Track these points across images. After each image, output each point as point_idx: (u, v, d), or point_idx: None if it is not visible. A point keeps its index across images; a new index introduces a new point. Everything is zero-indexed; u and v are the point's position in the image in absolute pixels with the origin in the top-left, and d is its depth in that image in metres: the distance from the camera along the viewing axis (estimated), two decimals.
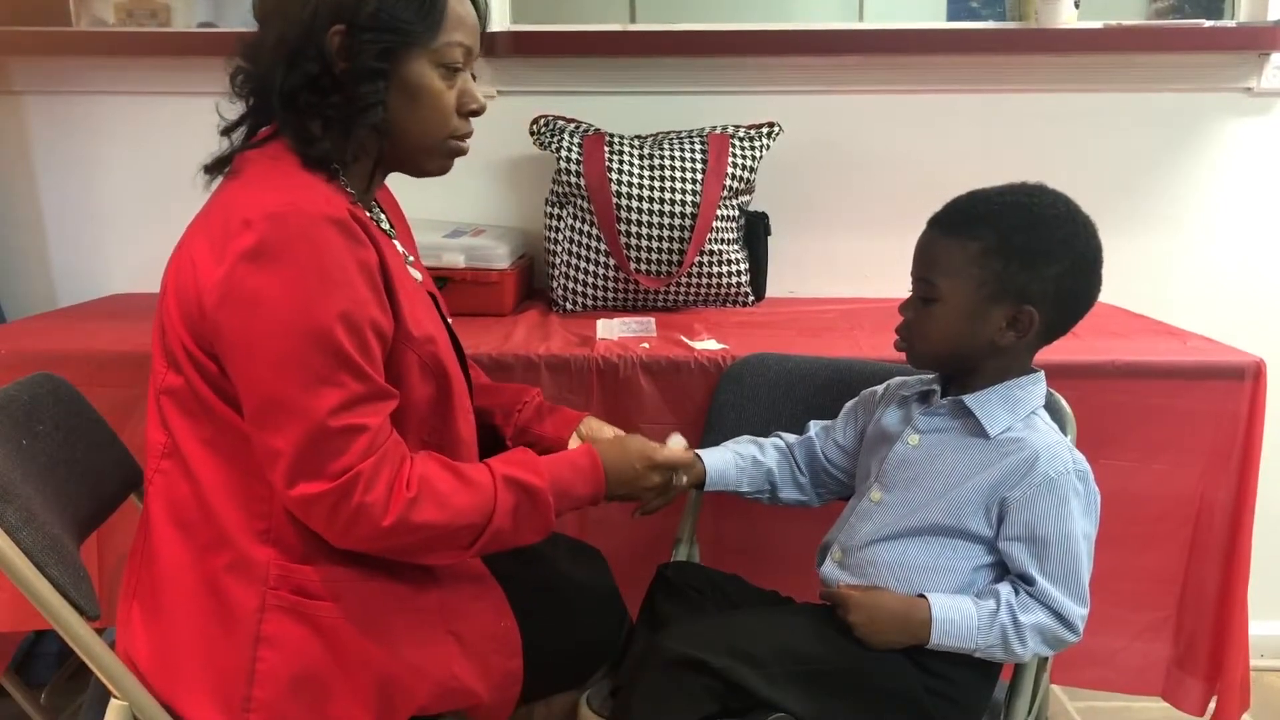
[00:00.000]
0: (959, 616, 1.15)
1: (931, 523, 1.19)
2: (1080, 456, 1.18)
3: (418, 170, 1.21)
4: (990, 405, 1.20)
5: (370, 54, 1.09)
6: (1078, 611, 1.14)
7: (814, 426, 1.42)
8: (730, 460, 1.37)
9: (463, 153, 1.21)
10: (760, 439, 1.42)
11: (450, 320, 1.31)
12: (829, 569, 1.28)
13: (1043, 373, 1.24)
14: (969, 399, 1.21)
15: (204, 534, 1.11)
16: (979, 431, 1.20)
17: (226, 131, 1.16)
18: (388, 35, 1.09)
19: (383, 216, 1.28)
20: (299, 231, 1.02)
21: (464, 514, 1.09)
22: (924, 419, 1.25)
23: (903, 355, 1.26)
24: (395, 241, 1.27)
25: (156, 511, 1.14)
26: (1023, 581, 1.16)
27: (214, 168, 1.15)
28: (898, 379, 1.37)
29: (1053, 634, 1.15)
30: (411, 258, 1.31)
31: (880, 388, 1.38)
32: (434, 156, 1.19)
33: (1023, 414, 1.20)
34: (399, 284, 1.12)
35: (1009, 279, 1.14)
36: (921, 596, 1.16)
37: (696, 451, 1.36)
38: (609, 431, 1.38)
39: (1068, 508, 1.14)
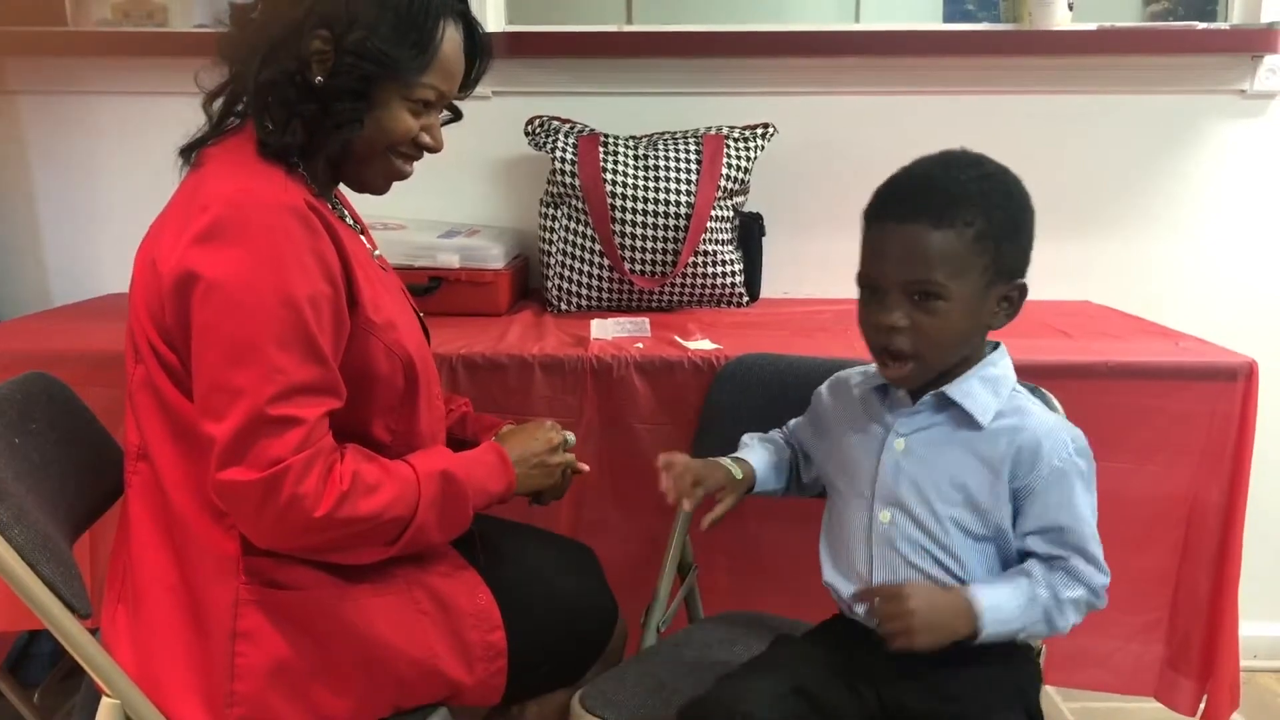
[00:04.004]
0: (1002, 599, 1.09)
1: (966, 530, 1.14)
2: (1077, 431, 1.15)
3: (356, 180, 1.22)
4: (974, 393, 1.14)
5: (352, 77, 1.10)
6: (1102, 581, 1.13)
7: (794, 433, 1.38)
8: (770, 470, 1.33)
9: (402, 176, 1.22)
10: (771, 438, 1.38)
11: (423, 315, 1.32)
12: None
13: (1000, 342, 1.19)
14: (953, 391, 1.14)
15: (177, 534, 1.12)
16: (968, 422, 1.14)
17: (208, 100, 1.17)
18: (369, 65, 1.11)
19: (345, 212, 1.30)
20: (254, 216, 1.04)
21: (392, 507, 1.09)
22: (904, 420, 1.18)
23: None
24: (362, 237, 1.28)
25: (135, 513, 1.15)
26: (1046, 559, 1.12)
27: (185, 151, 1.17)
28: (830, 384, 1.32)
29: (1088, 604, 1.13)
30: (377, 252, 1.32)
31: (819, 398, 1.32)
32: (371, 167, 1.19)
33: (1005, 393, 1.15)
34: (360, 272, 1.13)
35: (1003, 258, 1.10)
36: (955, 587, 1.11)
37: (740, 457, 1.31)
38: None
39: (1075, 493, 1.12)
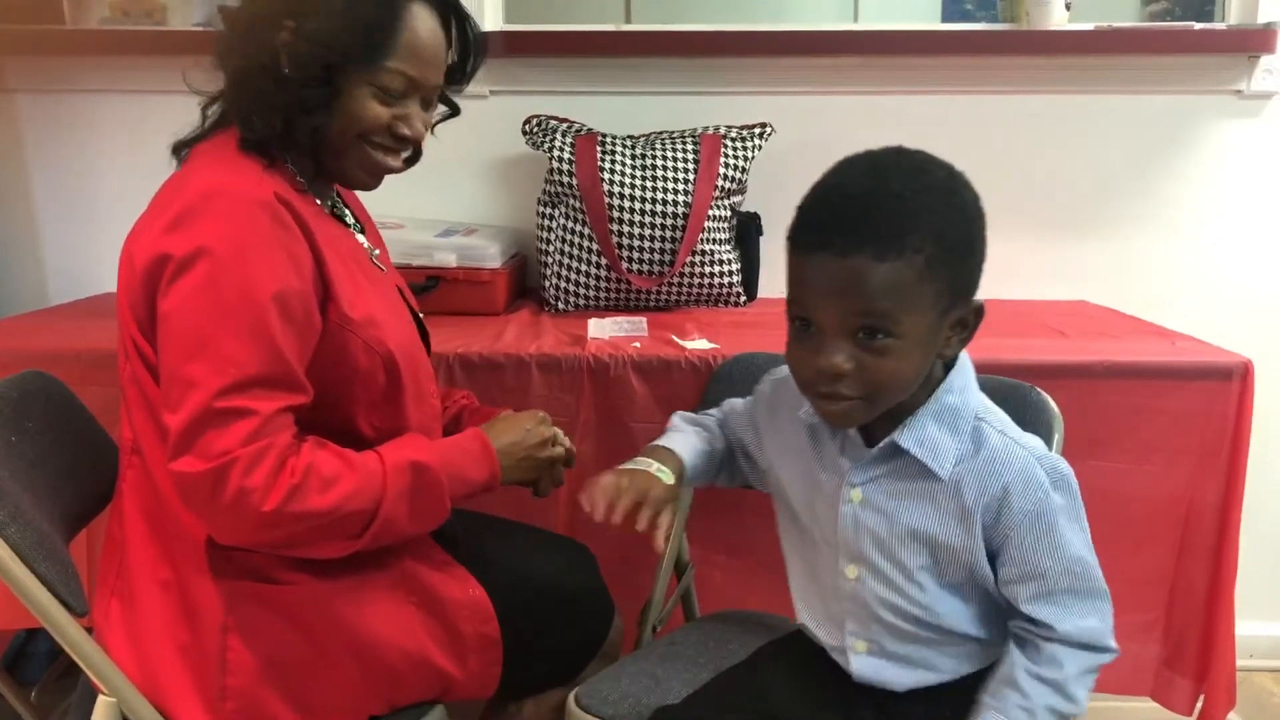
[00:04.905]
0: None
1: (941, 580, 1.06)
2: (1053, 461, 1.03)
3: (338, 173, 1.20)
4: (929, 438, 1.02)
5: (315, 65, 1.10)
6: (1096, 624, 1.02)
7: (729, 422, 1.28)
8: (701, 458, 1.22)
9: (382, 168, 1.19)
10: (704, 423, 1.28)
11: (421, 315, 1.33)
12: (865, 664, 1.11)
13: (963, 353, 1.06)
14: (905, 440, 1.02)
15: (169, 528, 1.12)
16: (927, 471, 1.02)
17: (208, 104, 1.18)
18: (329, 51, 1.10)
19: (347, 211, 1.29)
20: (220, 209, 1.04)
21: (351, 500, 1.07)
22: (857, 471, 1.06)
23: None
24: (361, 237, 1.28)
25: (128, 508, 1.15)
26: (1036, 626, 1.02)
27: (176, 150, 1.18)
28: (772, 392, 1.20)
29: (1093, 663, 1.02)
30: (378, 251, 1.32)
31: (761, 401, 1.21)
32: (347, 158, 1.17)
33: (966, 428, 1.02)
34: (339, 267, 1.13)
35: (956, 279, 0.98)
36: None
37: (665, 446, 1.20)
38: None
39: (1056, 533, 1.00)
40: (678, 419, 1.27)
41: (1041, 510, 1.00)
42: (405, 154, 1.22)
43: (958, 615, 1.06)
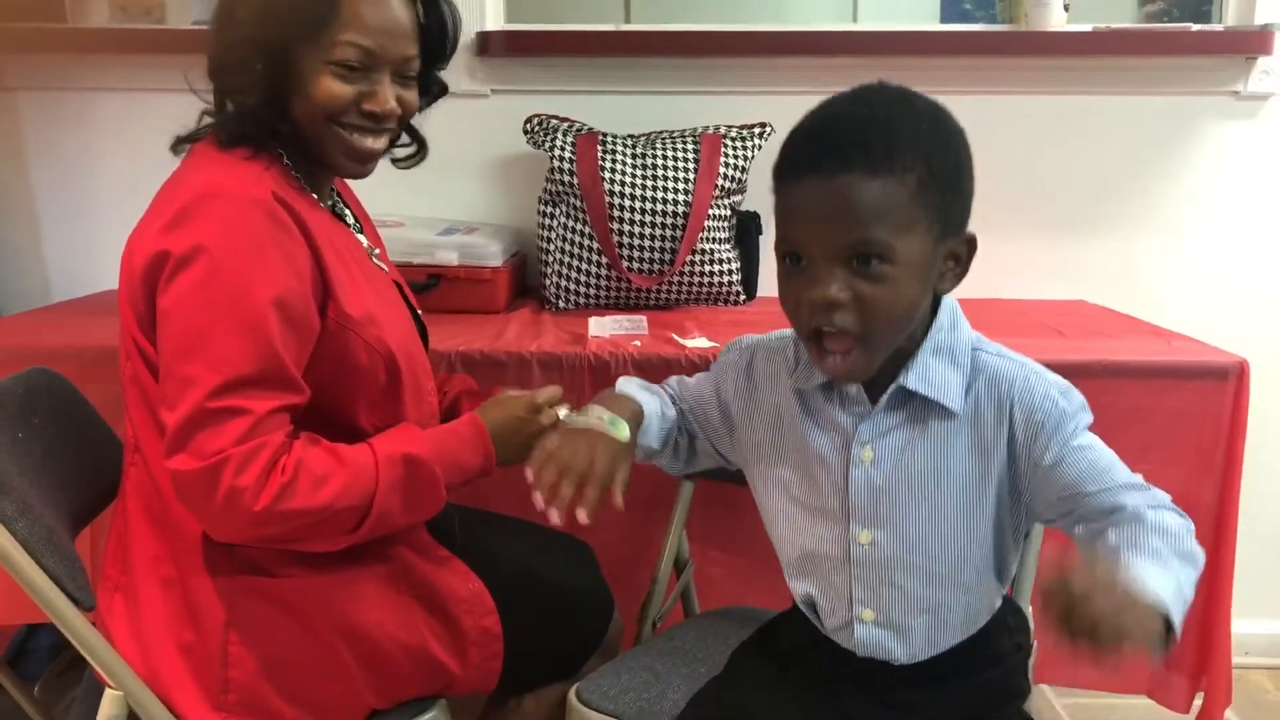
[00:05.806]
0: (1168, 582, 0.86)
1: (971, 531, 1.02)
2: (1052, 376, 1.00)
3: (328, 164, 1.18)
4: (933, 375, 0.99)
5: (264, 51, 1.10)
6: (1157, 496, 0.97)
7: (683, 398, 1.21)
8: (655, 419, 1.15)
9: (362, 151, 1.17)
10: (657, 391, 1.20)
11: (421, 312, 1.34)
12: (870, 634, 1.07)
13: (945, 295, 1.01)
14: (913, 382, 0.99)
15: (169, 526, 1.12)
16: (940, 410, 0.99)
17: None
18: (269, 33, 1.10)
19: (347, 211, 1.30)
20: (217, 209, 1.05)
21: (343, 496, 1.07)
22: (865, 425, 1.02)
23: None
24: (361, 236, 1.29)
25: (131, 504, 1.16)
26: (1098, 520, 0.96)
27: (175, 145, 1.19)
28: (752, 359, 1.13)
29: (1179, 522, 0.94)
30: (377, 250, 1.33)
31: (735, 372, 1.14)
32: (323, 144, 1.15)
33: (964, 359, 1.00)
34: (339, 266, 1.13)
35: (948, 208, 0.94)
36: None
37: (624, 395, 1.14)
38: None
39: (1078, 440, 0.97)
40: (623, 381, 1.19)
41: (1060, 420, 0.97)
42: (386, 133, 1.19)
43: (973, 563, 1.03)
